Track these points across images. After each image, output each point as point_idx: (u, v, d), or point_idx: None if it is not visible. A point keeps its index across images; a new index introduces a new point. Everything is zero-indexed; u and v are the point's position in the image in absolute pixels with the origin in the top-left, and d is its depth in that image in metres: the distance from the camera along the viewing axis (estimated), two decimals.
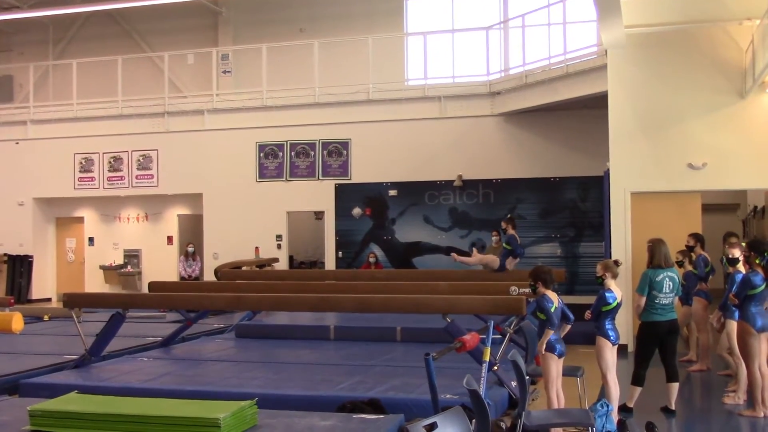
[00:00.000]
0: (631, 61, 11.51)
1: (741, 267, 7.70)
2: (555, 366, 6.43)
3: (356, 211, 16.47)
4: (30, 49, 20.91)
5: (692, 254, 9.74)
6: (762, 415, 7.14)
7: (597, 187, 14.06)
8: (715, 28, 11.24)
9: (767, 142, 11.06)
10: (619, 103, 11.55)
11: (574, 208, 15.25)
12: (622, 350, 8.73)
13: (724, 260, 8.38)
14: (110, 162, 18.35)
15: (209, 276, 16.18)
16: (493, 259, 11.55)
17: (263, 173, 17.23)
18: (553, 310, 6.41)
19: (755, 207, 15.11)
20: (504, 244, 11.61)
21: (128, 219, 19.11)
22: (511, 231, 11.59)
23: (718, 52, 11.23)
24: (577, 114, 14.79)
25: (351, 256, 16.49)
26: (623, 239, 11.36)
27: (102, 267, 18.92)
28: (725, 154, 11.14)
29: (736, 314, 7.51)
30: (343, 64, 17.23)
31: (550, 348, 6.41)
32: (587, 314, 6.83)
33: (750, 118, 11.14)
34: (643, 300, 7.22)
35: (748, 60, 10.80)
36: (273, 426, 5.21)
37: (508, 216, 12.81)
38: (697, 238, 9.90)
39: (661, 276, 7.17)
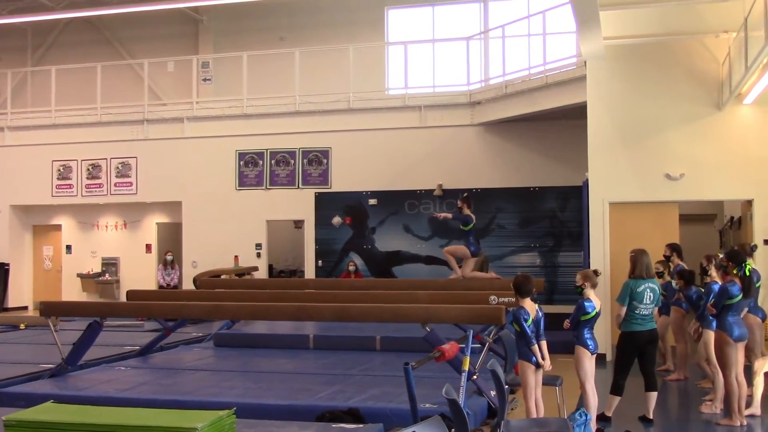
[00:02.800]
0: (610, 72, 11.62)
1: (717, 277, 7.80)
2: (532, 375, 6.44)
3: (336, 219, 16.44)
4: (8, 55, 20.71)
5: (670, 264, 9.84)
6: (738, 424, 7.19)
7: (576, 197, 14.13)
8: (693, 41, 11.39)
9: (744, 154, 11.21)
10: (597, 114, 11.64)
11: (553, 217, 15.31)
12: (600, 359, 8.79)
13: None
14: (89, 169, 18.20)
15: (188, 284, 16.07)
16: (461, 249, 11.35)
17: (243, 181, 17.17)
18: (529, 322, 6.42)
19: (732, 217, 15.24)
20: (462, 226, 11.33)
21: (106, 227, 18.95)
22: (466, 211, 11.30)
23: (695, 64, 11.37)
24: (557, 124, 14.87)
25: (331, 265, 16.45)
26: (602, 249, 11.44)
27: (79, 275, 18.74)
28: (702, 165, 11.27)
29: (714, 324, 7.58)
30: (323, 72, 17.24)
31: (527, 357, 6.42)
32: (566, 323, 6.86)
33: (727, 129, 11.28)
34: (624, 310, 7.25)
35: (724, 72, 10.94)
36: None
37: (465, 195, 12.04)
38: (673, 248, 9.99)
39: (642, 287, 7.22)
